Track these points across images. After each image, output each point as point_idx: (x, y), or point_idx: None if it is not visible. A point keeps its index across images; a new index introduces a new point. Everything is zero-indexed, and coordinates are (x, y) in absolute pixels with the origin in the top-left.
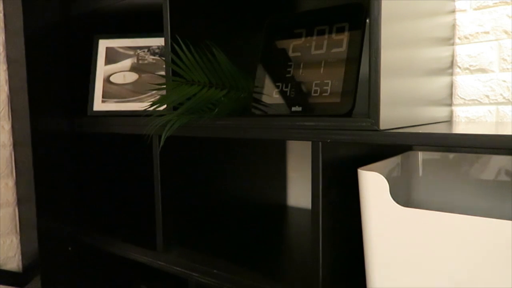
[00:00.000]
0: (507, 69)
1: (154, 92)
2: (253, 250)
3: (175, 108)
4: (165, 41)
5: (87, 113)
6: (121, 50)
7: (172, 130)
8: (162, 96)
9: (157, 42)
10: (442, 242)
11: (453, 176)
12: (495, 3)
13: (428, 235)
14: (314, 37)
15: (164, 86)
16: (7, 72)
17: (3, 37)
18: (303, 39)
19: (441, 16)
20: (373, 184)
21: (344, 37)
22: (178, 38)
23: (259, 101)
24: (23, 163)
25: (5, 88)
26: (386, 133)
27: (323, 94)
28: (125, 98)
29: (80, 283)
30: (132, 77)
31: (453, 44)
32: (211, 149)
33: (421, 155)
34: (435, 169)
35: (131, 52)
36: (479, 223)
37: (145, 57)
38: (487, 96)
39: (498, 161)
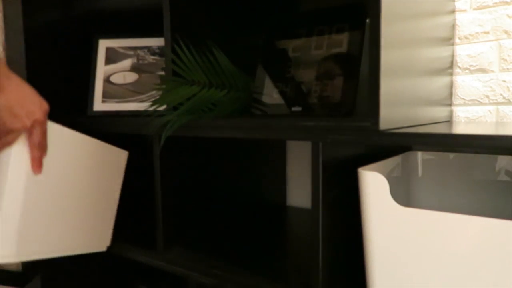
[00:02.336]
0: (507, 69)
1: (154, 92)
2: (253, 250)
3: (175, 108)
4: (165, 41)
5: (87, 113)
6: (121, 50)
7: (172, 130)
8: (162, 96)
9: (157, 42)
10: (442, 242)
11: (453, 176)
12: (495, 3)
13: (428, 235)
14: (314, 37)
15: (164, 86)
16: None
17: (3, 37)
18: (303, 39)
19: (441, 16)
20: (373, 184)
21: (344, 37)
22: (178, 38)
23: (259, 101)
24: None
25: None
26: (386, 133)
27: (323, 94)
28: (125, 98)
29: (80, 283)
30: (132, 77)
31: (453, 44)
32: (211, 149)
33: (421, 155)
34: (435, 169)
35: (131, 52)
36: (479, 223)
37: (145, 57)
38: (487, 96)
39: (498, 161)
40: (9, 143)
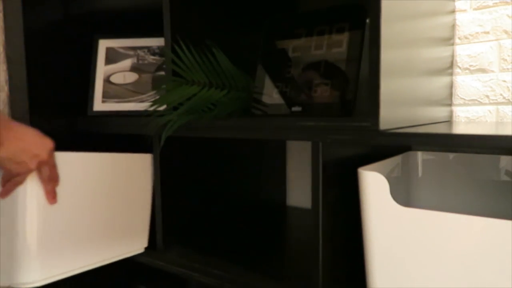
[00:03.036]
0: (507, 69)
1: (154, 92)
2: (253, 250)
3: (175, 108)
4: (165, 41)
5: (87, 113)
6: (121, 50)
7: (172, 130)
8: (162, 96)
9: (157, 42)
10: (442, 242)
11: (453, 176)
12: (495, 3)
13: (428, 235)
14: (314, 37)
15: (164, 86)
16: (7, 72)
17: (3, 37)
18: (303, 39)
19: (441, 16)
20: (373, 184)
21: (344, 37)
22: (178, 38)
23: (259, 101)
24: None
25: (5, 88)
26: (386, 133)
27: (323, 94)
28: (125, 98)
29: (80, 283)
30: (132, 77)
31: (453, 44)
32: (211, 149)
33: (421, 155)
34: (435, 169)
35: (131, 52)
36: (479, 223)
37: (145, 57)
38: (487, 96)
39: (498, 161)
40: (20, 182)
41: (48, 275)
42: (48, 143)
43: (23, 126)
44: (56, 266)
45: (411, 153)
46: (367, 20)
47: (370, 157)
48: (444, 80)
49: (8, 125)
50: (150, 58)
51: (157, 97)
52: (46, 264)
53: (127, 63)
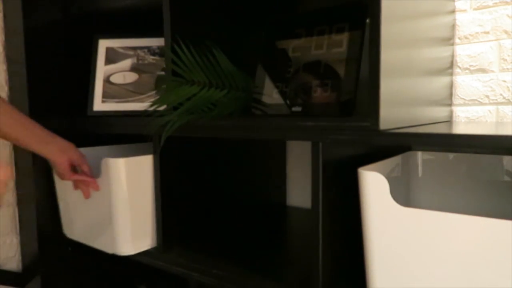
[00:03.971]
0: (507, 69)
1: (154, 92)
2: (253, 250)
3: (175, 108)
4: (165, 41)
5: (87, 113)
6: (121, 50)
7: (172, 130)
8: (162, 96)
9: (157, 42)
10: (442, 242)
11: (453, 176)
12: (495, 3)
13: (428, 235)
14: (314, 37)
15: (164, 86)
16: (7, 72)
17: (3, 37)
18: (303, 39)
19: (441, 16)
20: (373, 184)
21: (344, 37)
22: (178, 38)
23: (259, 101)
24: (23, 163)
25: (5, 88)
26: (386, 133)
27: (323, 94)
28: (125, 98)
29: (80, 283)
30: (132, 77)
31: (453, 44)
32: (211, 149)
33: (421, 155)
34: (435, 169)
35: (131, 52)
36: (479, 223)
37: (145, 57)
38: (487, 96)
39: (498, 161)
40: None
41: (135, 247)
42: (64, 160)
43: (60, 139)
44: (139, 242)
45: (411, 153)
46: (367, 20)
47: (370, 157)
48: (444, 80)
49: (51, 138)
50: (150, 58)
51: (157, 97)
52: (134, 239)
53: (127, 63)
